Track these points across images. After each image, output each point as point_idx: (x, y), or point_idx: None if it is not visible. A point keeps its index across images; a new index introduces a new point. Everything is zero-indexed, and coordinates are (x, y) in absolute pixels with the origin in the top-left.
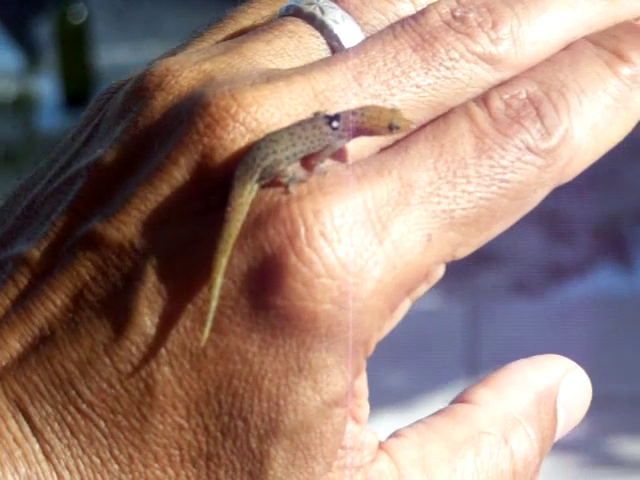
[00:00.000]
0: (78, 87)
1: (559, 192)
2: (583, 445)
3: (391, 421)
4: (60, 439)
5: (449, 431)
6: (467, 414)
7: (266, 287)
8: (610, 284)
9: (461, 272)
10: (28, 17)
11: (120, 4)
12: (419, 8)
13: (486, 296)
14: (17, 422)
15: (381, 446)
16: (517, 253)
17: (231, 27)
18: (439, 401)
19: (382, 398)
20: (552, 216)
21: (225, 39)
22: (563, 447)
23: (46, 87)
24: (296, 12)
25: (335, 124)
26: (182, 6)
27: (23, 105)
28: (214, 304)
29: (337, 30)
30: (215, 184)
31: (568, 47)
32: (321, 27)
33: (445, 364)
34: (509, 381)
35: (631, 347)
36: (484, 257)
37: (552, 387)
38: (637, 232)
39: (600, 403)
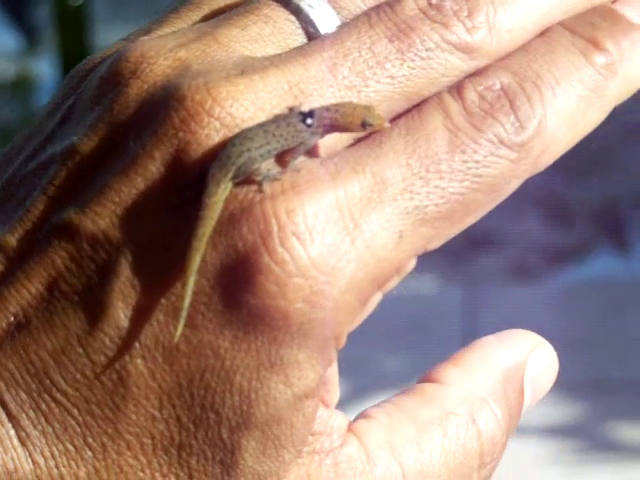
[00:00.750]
0: None
1: (558, 176)
2: (580, 430)
3: None
4: (35, 426)
5: (417, 411)
6: (435, 394)
7: (239, 285)
8: (609, 268)
9: (459, 256)
10: None
11: None
12: None
13: (484, 280)
14: None
15: (350, 428)
16: (515, 237)
17: (207, 4)
18: None
19: (381, 382)
20: (550, 200)
21: (201, 19)
22: (563, 432)
23: (45, 68)
24: None
25: (309, 121)
26: None
27: (22, 86)
28: (187, 301)
29: (313, 15)
30: (189, 179)
31: (544, 33)
32: (297, 12)
33: (444, 348)
34: (477, 359)
35: (630, 331)
36: (483, 241)
37: (519, 364)
38: (636, 216)
39: (598, 387)
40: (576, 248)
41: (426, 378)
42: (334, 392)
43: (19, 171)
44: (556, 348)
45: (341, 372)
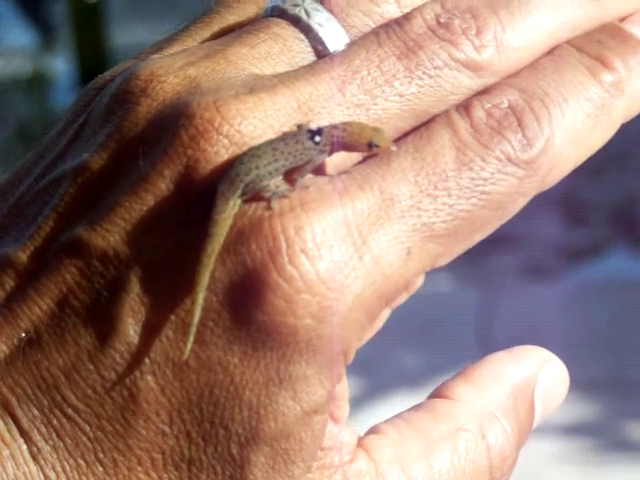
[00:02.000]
0: (93, 65)
1: (574, 175)
2: (595, 429)
3: (404, 402)
4: (47, 441)
5: (427, 428)
6: (445, 410)
7: (247, 301)
8: (624, 267)
9: (475, 255)
10: None
11: None
12: (404, 10)
13: (500, 279)
14: (5, 423)
15: (360, 444)
16: (531, 236)
17: (217, 22)
18: None
19: (397, 380)
20: (567, 199)
21: (211, 37)
22: (579, 431)
23: (61, 65)
24: (281, 14)
25: (317, 139)
26: None
27: (38, 83)
28: (197, 317)
29: (322, 33)
30: (199, 196)
31: (551, 51)
32: (306, 30)
33: (459, 347)
34: (487, 375)
35: None
36: (499, 240)
37: (530, 379)
38: None
39: (613, 386)
40: (591, 247)
41: (436, 394)
42: (344, 408)
43: (31, 189)
44: (571, 347)
45: (357, 370)
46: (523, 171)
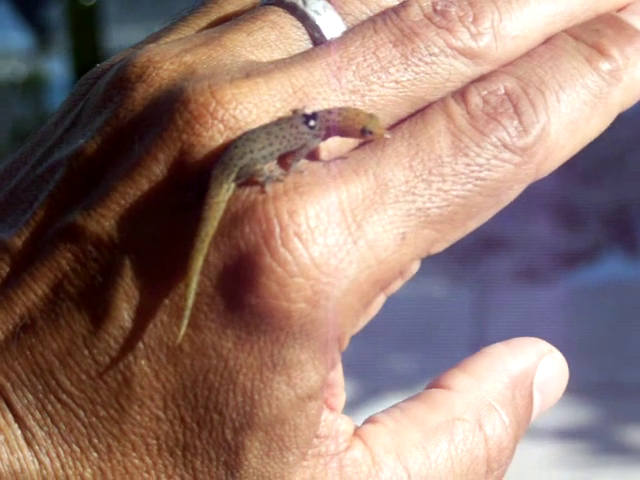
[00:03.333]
0: (88, 68)
1: (568, 179)
2: (590, 432)
3: None
4: (41, 427)
5: (424, 417)
6: (443, 400)
7: (241, 285)
8: (618, 271)
9: (469, 259)
10: None
11: None
12: (402, 0)
13: (494, 282)
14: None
15: (356, 433)
16: (526, 240)
17: (215, 12)
18: None
19: (391, 383)
20: (561, 203)
21: (208, 25)
22: (571, 435)
23: (56, 68)
24: (278, 2)
25: (312, 123)
26: None
27: (33, 86)
28: (190, 301)
29: (319, 21)
30: (193, 181)
31: (548, 40)
32: (303, 18)
33: (453, 350)
34: (485, 365)
35: (639, 334)
36: (492, 244)
37: (528, 371)
38: None
39: (607, 390)
40: (586, 251)
41: (434, 384)
42: (340, 396)
43: (27, 176)
44: (565, 351)
45: (351, 373)
46: (519, 158)
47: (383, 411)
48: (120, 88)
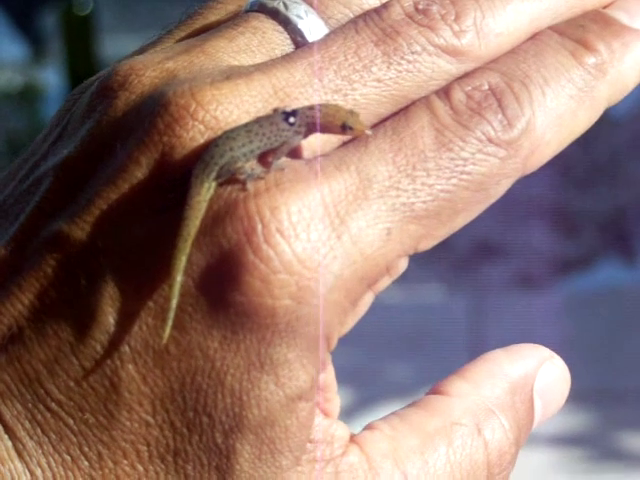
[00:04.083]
0: (83, 78)
1: (563, 186)
2: (587, 438)
3: None
4: (31, 437)
5: (422, 423)
6: (441, 405)
7: (224, 284)
8: (614, 277)
9: (465, 266)
10: (34, 8)
11: None
12: (384, 1)
13: (491, 289)
14: None
15: (353, 439)
16: (521, 247)
17: (199, 23)
18: None
19: (387, 391)
20: (556, 210)
21: (191, 35)
22: (568, 441)
23: (51, 78)
24: (261, 8)
25: (292, 120)
26: None
27: (28, 96)
28: (174, 302)
29: (301, 25)
30: (175, 182)
31: (533, 37)
32: (285, 22)
33: (450, 357)
34: (484, 371)
35: (636, 340)
36: (488, 251)
37: (528, 376)
38: None
39: (606, 396)
40: (582, 258)
41: (432, 391)
42: (333, 401)
43: (15, 190)
44: (562, 357)
45: (347, 381)
46: (504, 151)
47: (381, 418)
48: (103, 97)
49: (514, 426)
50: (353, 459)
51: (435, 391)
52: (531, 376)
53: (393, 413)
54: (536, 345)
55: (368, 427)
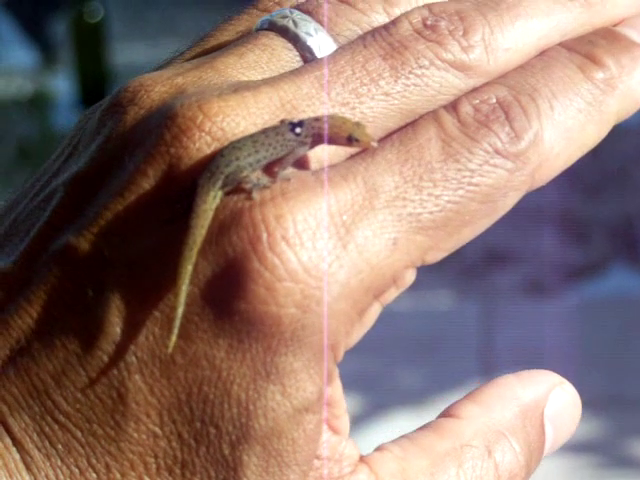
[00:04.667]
0: (93, 85)
1: (573, 194)
2: (597, 445)
3: (406, 420)
4: (39, 449)
5: (432, 444)
6: (451, 427)
7: (230, 292)
8: (624, 284)
9: (476, 273)
10: (44, 15)
11: (136, 3)
12: (393, 18)
13: (500, 296)
14: None
15: (362, 459)
16: (531, 254)
17: (210, 44)
18: (453, 401)
19: (398, 397)
20: (566, 217)
21: (203, 54)
22: (578, 448)
23: (62, 85)
24: (270, 26)
25: (298, 130)
26: (197, 5)
27: (39, 103)
28: (180, 311)
29: (310, 42)
30: (182, 192)
31: (541, 53)
32: (294, 40)
33: (459, 364)
34: (495, 395)
35: None
36: (499, 258)
37: (538, 401)
38: None
39: (614, 403)
40: (592, 265)
41: (443, 414)
42: (342, 418)
43: (26, 207)
44: (572, 364)
45: (358, 388)
46: (512, 163)
47: (391, 441)
48: (113, 113)
49: (525, 449)
50: (362, 478)
51: (446, 414)
52: (542, 400)
53: (403, 436)
54: (547, 371)
55: (378, 448)
